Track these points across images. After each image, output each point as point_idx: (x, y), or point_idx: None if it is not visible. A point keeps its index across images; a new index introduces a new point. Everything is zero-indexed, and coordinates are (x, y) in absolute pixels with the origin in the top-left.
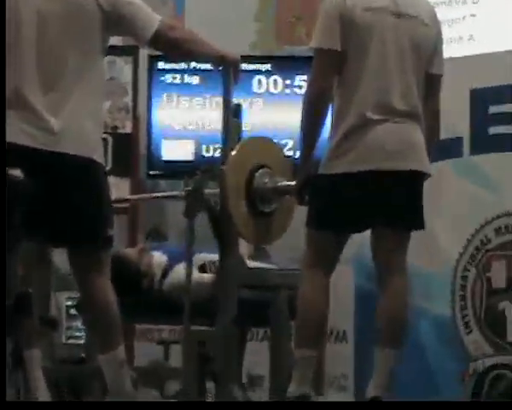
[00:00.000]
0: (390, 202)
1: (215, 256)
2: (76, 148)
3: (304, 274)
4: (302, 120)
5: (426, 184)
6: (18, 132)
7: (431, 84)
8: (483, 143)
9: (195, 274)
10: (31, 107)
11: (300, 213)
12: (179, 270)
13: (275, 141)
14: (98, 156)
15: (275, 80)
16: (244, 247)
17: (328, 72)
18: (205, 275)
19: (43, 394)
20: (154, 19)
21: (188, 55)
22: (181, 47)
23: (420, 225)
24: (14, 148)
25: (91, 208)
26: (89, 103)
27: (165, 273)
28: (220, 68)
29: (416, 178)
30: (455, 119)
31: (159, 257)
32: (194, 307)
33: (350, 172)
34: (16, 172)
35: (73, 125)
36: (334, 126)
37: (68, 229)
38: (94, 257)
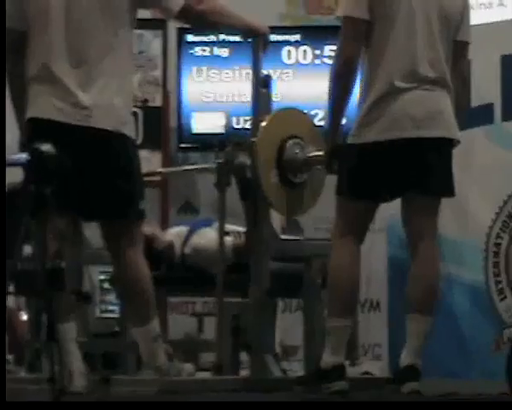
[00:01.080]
0: (419, 170)
1: (240, 228)
2: (106, 122)
3: (334, 243)
4: (330, 90)
5: (457, 151)
6: (48, 107)
7: (458, 52)
8: None
9: (213, 240)
10: (60, 82)
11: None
12: (200, 234)
13: (305, 111)
14: (128, 130)
15: (304, 51)
16: (276, 219)
17: (356, 41)
18: (226, 238)
19: (78, 368)
20: None
21: (216, 28)
22: (209, 20)
23: (450, 191)
24: (44, 123)
25: (122, 182)
26: (118, 77)
27: (185, 241)
28: (249, 40)
29: (444, 145)
30: (486, 85)
31: (178, 229)
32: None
33: (379, 141)
34: (47, 147)
35: (103, 99)
36: (363, 95)
37: (100, 203)
38: (126, 231)
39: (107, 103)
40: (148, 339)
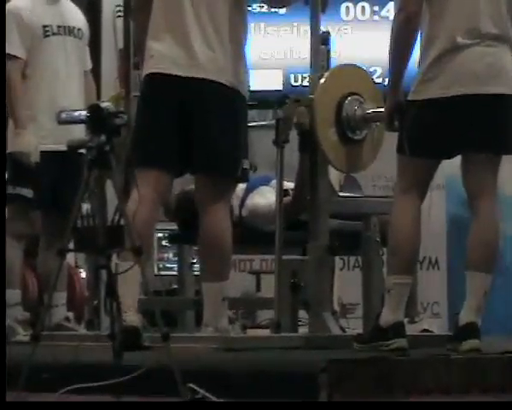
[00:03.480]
0: (480, 127)
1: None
2: (226, 78)
3: (396, 200)
4: (391, 47)
5: None
6: (169, 61)
7: None
8: None
9: (271, 199)
10: (186, 38)
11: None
12: (257, 193)
13: (364, 68)
14: (243, 89)
15: (363, 7)
16: (335, 176)
17: None
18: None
19: (132, 304)
20: None
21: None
22: None
23: (510, 149)
24: (165, 75)
25: (236, 138)
26: (236, 43)
27: (242, 201)
28: None
29: (506, 102)
30: None
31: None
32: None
33: (440, 97)
34: (106, 104)
35: (223, 57)
36: (424, 52)
37: (211, 155)
38: (226, 188)
39: (227, 61)
40: (217, 297)
